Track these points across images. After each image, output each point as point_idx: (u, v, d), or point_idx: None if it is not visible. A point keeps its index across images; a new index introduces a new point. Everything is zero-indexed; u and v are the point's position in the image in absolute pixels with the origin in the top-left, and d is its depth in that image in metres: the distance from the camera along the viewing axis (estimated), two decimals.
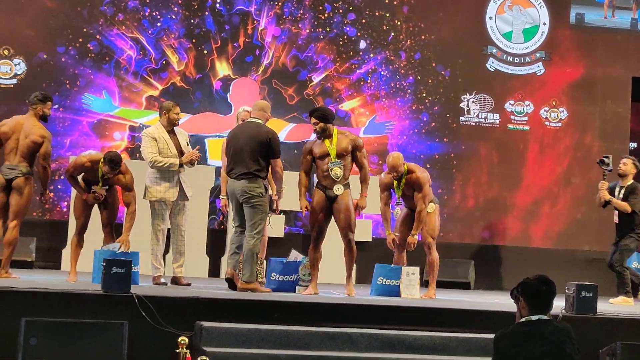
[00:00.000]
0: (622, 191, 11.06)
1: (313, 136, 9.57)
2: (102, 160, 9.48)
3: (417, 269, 9.86)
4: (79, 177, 9.70)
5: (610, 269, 11.01)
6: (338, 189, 9.30)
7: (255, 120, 9.39)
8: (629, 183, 11.13)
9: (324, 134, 9.34)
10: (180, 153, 9.69)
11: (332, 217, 9.43)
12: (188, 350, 7.19)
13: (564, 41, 14.74)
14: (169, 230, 9.85)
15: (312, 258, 9.36)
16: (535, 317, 5.12)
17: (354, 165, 9.48)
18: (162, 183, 9.62)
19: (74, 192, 9.95)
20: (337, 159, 9.29)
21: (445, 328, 8.02)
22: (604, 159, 11.13)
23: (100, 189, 9.56)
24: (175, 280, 9.64)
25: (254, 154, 9.13)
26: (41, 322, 7.25)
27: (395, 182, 9.94)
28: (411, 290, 9.63)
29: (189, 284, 9.55)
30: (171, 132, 9.76)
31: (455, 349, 7.78)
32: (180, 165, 9.63)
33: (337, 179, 9.30)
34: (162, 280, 9.56)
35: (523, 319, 5.14)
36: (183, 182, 9.68)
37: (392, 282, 9.73)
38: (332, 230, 9.59)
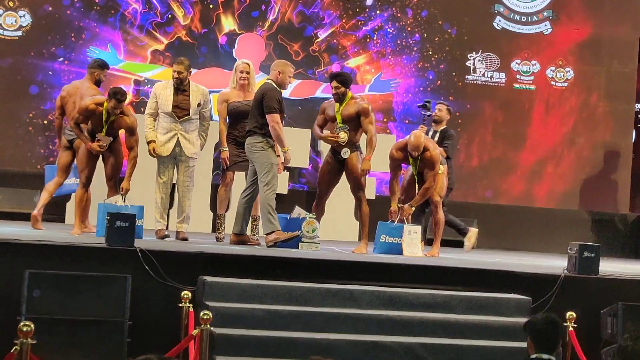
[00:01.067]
0: (437, 135, 11.04)
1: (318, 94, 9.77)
2: (107, 97, 9.48)
3: (418, 228, 9.88)
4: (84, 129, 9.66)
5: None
6: (345, 153, 9.56)
7: (268, 80, 9.59)
8: (442, 128, 11.13)
9: (342, 99, 9.58)
10: (178, 109, 9.65)
11: (342, 177, 9.76)
12: (191, 305, 7.25)
13: (571, 0, 14.64)
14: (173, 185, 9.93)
15: (316, 213, 9.64)
16: (545, 356, 5.10)
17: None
18: (159, 137, 9.67)
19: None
20: (342, 124, 9.51)
21: (446, 286, 8.06)
22: (426, 103, 11.03)
23: (104, 137, 9.50)
24: (178, 236, 9.64)
25: (253, 111, 9.42)
26: (45, 275, 7.30)
27: (411, 160, 9.92)
28: (413, 249, 9.65)
29: (185, 239, 9.56)
30: (180, 90, 9.70)
31: (456, 307, 7.83)
32: (148, 143, 9.66)
33: (343, 143, 9.49)
34: (165, 233, 9.58)
35: (533, 356, 5.12)
36: (184, 138, 9.64)
37: (395, 240, 9.74)
38: (339, 189, 9.64)
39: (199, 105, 9.74)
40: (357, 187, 9.64)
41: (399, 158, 9.95)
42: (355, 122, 9.53)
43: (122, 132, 9.71)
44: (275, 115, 9.26)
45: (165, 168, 9.69)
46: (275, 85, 9.46)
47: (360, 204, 9.72)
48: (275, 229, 9.17)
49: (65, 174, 9.98)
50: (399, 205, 9.77)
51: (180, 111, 9.65)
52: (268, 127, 9.29)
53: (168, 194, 9.76)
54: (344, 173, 9.70)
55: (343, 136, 9.48)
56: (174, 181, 9.95)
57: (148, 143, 9.66)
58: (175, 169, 9.77)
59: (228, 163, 9.77)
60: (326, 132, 9.66)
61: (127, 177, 9.55)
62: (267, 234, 9.20)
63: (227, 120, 9.92)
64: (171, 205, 10.27)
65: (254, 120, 9.38)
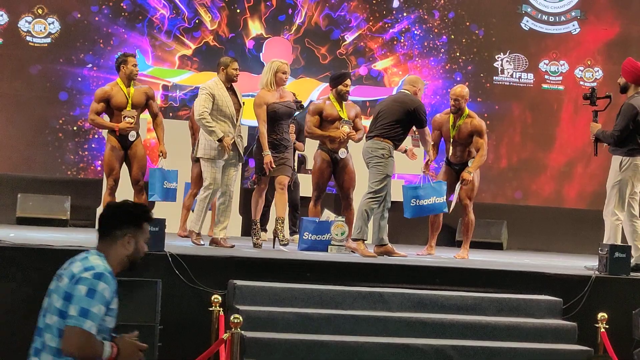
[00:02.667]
0: None
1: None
2: (120, 65, 9.49)
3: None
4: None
5: None
6: (342, 153, 9.75)
7: (406, 92, 9.47)
8: None
9: (346, 97, 9.86)
10: (238, 111, 9.25)
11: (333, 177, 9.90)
12: (221, 309, 7.25)
13: (599, 0, 14.57)
14: None
15: (314, 214, 9.80)
16: None
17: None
18: (211, 142, 9.15)
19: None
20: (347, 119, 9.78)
21: (477, 288, 8.02)
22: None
23: (130, 111, 9.47)
24: (215, 242, 9.24)
25: (387, 117, 9.24)
26: None
27: (452, 118, 9.84)
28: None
29: (232, 246, 9.14)
30: (230, 89, 9.28)
31: (486, 309, 7.78)
32: (220, 140, 9.04)
33: (347, 138, 9.72)
34: (201, 242, 9.27)
35: None
36: (238, 143, 9.26)
37: (425, 202, 9.69)
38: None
39: (243, 103, 9.47)
40: (353, 187, 9.82)
41: (441, 121, 9.98)
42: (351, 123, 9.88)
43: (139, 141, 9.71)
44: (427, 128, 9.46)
45: (216, 173, 9.18)
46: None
47: (351, 205, 9.85)
48: (360, 239, 9.05)
49: (198, 186, 9.98)
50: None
51: (236, 112, 9.27)
52: (397, 136, 9.21)
53: (211, 199, 9.34)
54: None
55: (347, 129, 9.70)
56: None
57: (220, 140, 9.04)
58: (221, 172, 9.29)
59: (272, 167, 9.25)
60: (331, 130, 9.70)
61: (162, 142, 9.75)
62: (352, 239, 9.14)
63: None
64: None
65: (383, 126, 9.17)
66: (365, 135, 9.50)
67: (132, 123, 9.47)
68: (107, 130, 9.60)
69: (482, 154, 9.81)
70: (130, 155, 9.58)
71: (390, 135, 9.13)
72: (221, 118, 9.13)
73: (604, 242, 8.85)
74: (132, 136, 9.54)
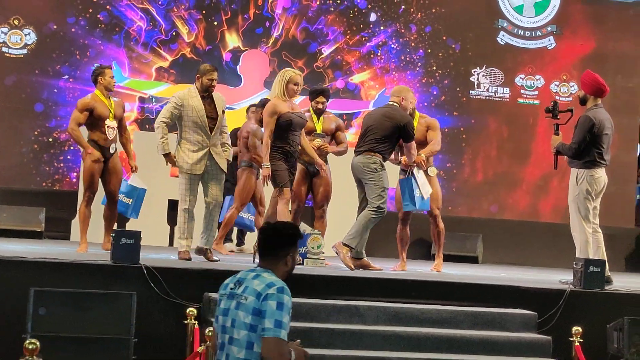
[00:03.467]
0: None
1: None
2: (98, 77, 9.56)
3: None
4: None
5: None
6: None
7: (394, 104, 9.46)
8: None
9: (322, 113, 9.91)
10: (212, 120, 8.96)
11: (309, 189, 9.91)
12: (196, 322, 7.23)
13: (575, 15, 14.66)
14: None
15: None
16: None
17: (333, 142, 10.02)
18: (190, 154, 8.98)
19: (82, 162, 9.94)
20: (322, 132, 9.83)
21: (452, 302, 8.03)
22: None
23: (113, 122, 9.60)
24: (203, 252, 9.07)
25: (375, 131, 9.24)
26: (50, 292, 7.28)
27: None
28: (426, 188, 9.60)
29: (217, 260, 9.03)
30: (206, 98, 9.00)
31: (461, 322, 7.80)
32: (165, 155, 8.98)
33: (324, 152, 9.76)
34: (190, 256, 9.00)
35: None
36: (215, 153, 9.01)
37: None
38: (342, 203, 9.63)
39: (223, 112, 9.14)
40: (327, 200, 9.86)
41: None
42: (330, 137, 9.97)
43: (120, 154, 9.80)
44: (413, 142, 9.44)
45: (193, 186, 9.01)
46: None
47: (324, 217, 9.85)
48: (350, 247, 8.99)
49: (239, 199, 10.35)
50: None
51: (210, 121, 8.99)
52: (386, 150, 9.22)
53: (192, 214, 9.09)
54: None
55: (320, 143, 9.74)
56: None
57: (166, 155, 9.00)
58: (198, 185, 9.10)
59: (269, 181, 8.98)
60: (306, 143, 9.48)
61: (133, 157, 9.84)
62: (344, 243, 9.01)
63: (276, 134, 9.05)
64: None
65: (372, 140, 9.17)
66: (354, 149, 9.40)
67: (113, 134, 9.61)
68: (84, 142, 9.57)
69: (435, 142, 9.84)
70: (110, 168, 9.62)
71: (379, 149, 9.17)
72: (193, 128, 8.96)
73: (577, 256, 8.90)
74: (112, 149, 9.60)
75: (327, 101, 9.99)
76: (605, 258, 8.95)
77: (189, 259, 8.90)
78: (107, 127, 9.54)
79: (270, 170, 8.90)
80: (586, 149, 9.07)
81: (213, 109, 9.04)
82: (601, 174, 9.15)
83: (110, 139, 9.58)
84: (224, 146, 9.18)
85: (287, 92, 9.03)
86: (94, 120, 9.52)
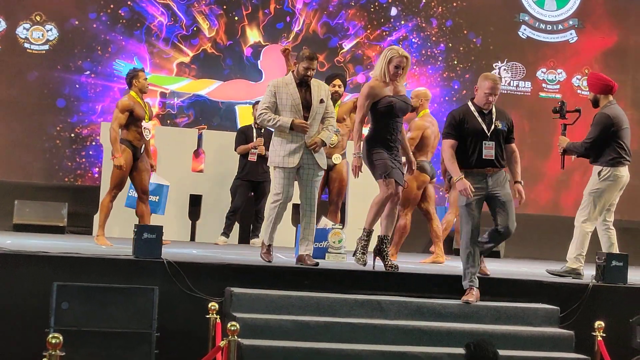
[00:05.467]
0: None
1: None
2: (132, 79, 9.79)
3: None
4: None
5: None
6: (337, 158, 9.79)
7: None
8: None
9: (339, 98, 9.78)
10: (306, 109, 8.24)
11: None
12: (218, 316, 7.24)
13: (597, 9, 14.58)
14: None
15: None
16: None
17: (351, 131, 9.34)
18: (283, 145, 8.26)
19: (106, 158, 10.01)
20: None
21: None
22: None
23: (148, 123, 9.88)
24: (300, 259, 8.31)
25: None
26: (73, 287, 7.32)
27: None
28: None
29: (316, 264, 8.25)
30: (303, 85, 8.30)
31: (484, 317, 7.78)
32: (292, 128, 8.17)
33: (332, 146, 9.62)
34: (270, 257, 8.40)
35: None
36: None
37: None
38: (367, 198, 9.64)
39: (321, 102, 8.35)
40: (340, 195, 9.87)
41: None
42: (344, 126, 9.73)
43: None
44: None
45: (285, 183, 8.26)
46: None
47: (337, 211, 9.85)
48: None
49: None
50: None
51: (306, 111, 8.26)
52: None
53: (282, 213, 8.42)
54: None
55: (334, 139, 9.64)
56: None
57: (292, 125, 8.17)
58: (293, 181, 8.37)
59: (360, 172, 8.11)
60: None
61: (152, 155, 10.21)
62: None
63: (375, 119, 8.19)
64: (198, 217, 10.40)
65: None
66: None
67: (149, 135, 9.92)
68: (118, 145, 9.68)
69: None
70: (141, 166, 9.81)
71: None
72: (286, 117, 8.25)
73: (570, 247, 8.93)
74: (142, 148, 9.76)
75: (344, 86, 9.92)
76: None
77: (270, 260, 8.33)
78: (144, 128, 9.77)
79: (361, 160, 8.07)
80: (609, 147, 8.99)
81: (310, 97, 8.30)
82: (624, 173, 9.08)
83: (147, 139, 9.83)
84: (324, 128, 8.36)
85: (389, 73, 8.05)
86: (131, 121, 9.70)
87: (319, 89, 8.36)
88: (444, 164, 8.62)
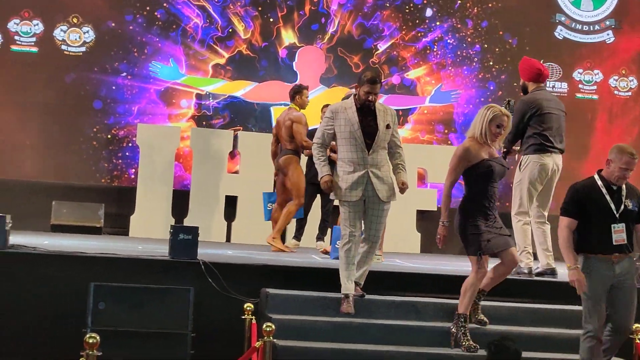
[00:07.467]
0: None
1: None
2: (302, 92, 10.52)
3: None
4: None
5: None
6: None
7: None
8: None
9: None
10: (371, 136, 7.47)
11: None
12: (253, 317, 7.25)
13: (634, 9, 14.45)
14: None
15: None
16: None
17: None
18: (345, 176, 7.54)
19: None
20: None
21: (511, 298, 7.97)
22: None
23: None
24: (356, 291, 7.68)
25: None
26: (109, 287, 7.37)
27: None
28: None
29: (362, 295, 7.68)
30: (364, 110, 7.53)
31: (521, 319, 7.75)
32: (325, 179, 7.54)
33: None
34: (350, 309, 7.49)
35: None
36: (375, 176, 7.48)
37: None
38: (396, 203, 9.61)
39: (388, 127, 7.60)
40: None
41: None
42: None
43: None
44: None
45: (352, 216, 7.51)
46: None
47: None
48: None
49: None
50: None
51: (368, 137, 7.49)
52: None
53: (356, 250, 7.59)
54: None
55: None
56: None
57: (322, 178, 7.60)
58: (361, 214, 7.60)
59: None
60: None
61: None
62: None
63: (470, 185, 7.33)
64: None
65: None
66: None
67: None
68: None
69: None
70: None
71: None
72: (347, 144, 7.57)
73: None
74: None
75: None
76: (551, 252, 8.54)
77: (350, 313, 7.48)
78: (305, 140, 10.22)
79: (448, 229, 7.27)
80: (529, 135, 8.58)
81: (373, 123, 7.53)
82: (548, 160, 8.67)
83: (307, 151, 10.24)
84: (397, 167, 7.68)
85: (490, 133, 7.24)
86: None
87: (385, 113, 7.58)
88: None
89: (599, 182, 6.79)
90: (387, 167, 7.58)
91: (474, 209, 7.18)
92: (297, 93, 10.50)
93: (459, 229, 7.25)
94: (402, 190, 7.61)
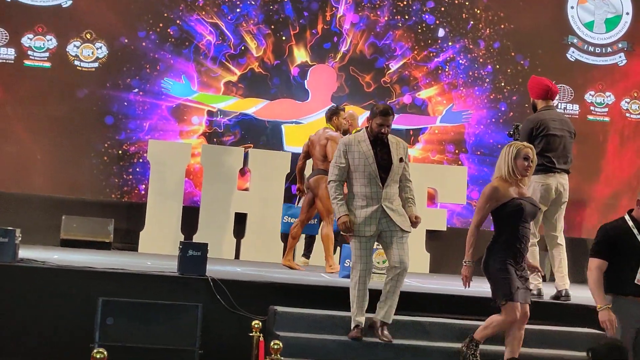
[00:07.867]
0: None
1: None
2: (332, 115, 10.50)
3: None
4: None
5: None
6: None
7: None
8: None
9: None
10: (385, 169, 7.40)
11: None
12: (261, 334, 7.24)
13: None
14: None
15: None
16: None
17: None
18: (358, 211, 7.43)
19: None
20: None
21: None
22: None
23: None
24: (373, 326, 7.51)
25: None
26: (118, 302, 7.37)
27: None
28: None
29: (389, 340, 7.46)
30: (378, 142, 7.45)
31: (529, 341, 7.68)
32: (343, 220, 7.37)
33: None
34: (361, 335, 7.43)
35: None
36: (390, 209, 7.40)
37: None
38: None
39: (401, 160, 7.53)
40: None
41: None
42: None
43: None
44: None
45: (362, 250, 7.41)
46: None
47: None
48: None
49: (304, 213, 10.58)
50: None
51: (382, 171, 7.43)
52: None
53: (368, 284, 7.50)
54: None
55: None
56: None
57: (340, 218, 7.40)
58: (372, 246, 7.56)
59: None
60: None
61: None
62: None
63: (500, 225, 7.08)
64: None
65: None
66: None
67: None
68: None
69: None
70: None
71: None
72: (360, 178, 7.51)
73: None
74: None
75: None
76: (541, 271, 8.36)
77: (359, 338, 7.40)
78: None
79: (471, 270, 6.99)
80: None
81: (387, 156, 7.47)
82: (550, 181, 8.72)
83: None
84: (408, 201, 7.58)
85: (518, 168, 6.97)
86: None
87: (398, 146, 7.50)
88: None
89: (630, 223, 6.70)
90: (398, 200, 7.49)
91: (505, 250, 6.88)
92: (335, 114, 10.45)
93: (488, 271, 6.95)
94: (415, 224, 7.52)
